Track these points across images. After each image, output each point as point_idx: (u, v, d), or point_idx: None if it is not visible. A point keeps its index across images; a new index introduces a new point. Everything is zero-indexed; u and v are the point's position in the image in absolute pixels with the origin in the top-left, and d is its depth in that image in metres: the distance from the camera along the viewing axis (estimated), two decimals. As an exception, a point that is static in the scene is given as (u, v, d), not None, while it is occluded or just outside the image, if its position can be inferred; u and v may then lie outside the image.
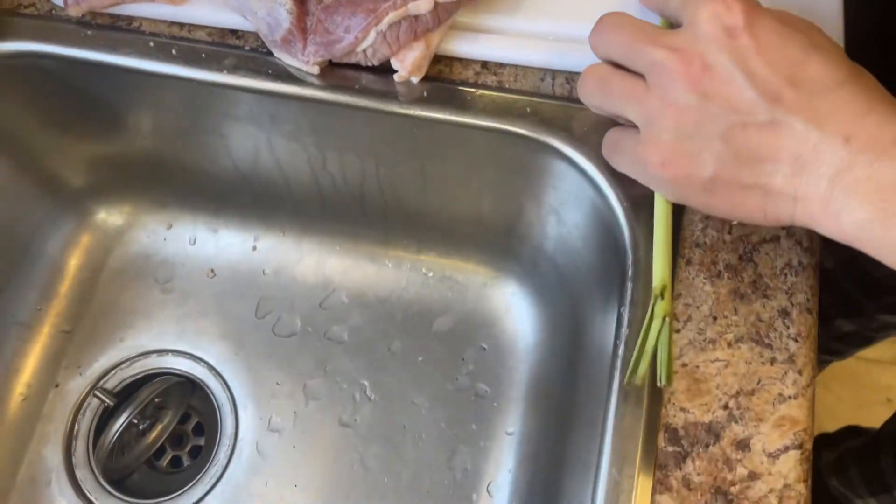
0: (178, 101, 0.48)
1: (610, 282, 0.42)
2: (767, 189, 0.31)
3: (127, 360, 0.57)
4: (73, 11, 0.45)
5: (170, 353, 0.57)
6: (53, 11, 0.47)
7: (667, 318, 0.35)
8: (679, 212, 0.40)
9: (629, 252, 0.40)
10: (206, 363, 0.57)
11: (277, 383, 0.56)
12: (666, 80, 0.32)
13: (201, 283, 0.59)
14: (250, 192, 0.58)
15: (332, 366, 0.56)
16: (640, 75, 0.34)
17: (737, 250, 0.40)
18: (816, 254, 0.40)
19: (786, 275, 0.40)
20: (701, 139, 0.32)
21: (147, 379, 0.57)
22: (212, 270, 0.59)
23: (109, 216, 0.60)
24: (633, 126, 0.35)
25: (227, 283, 0.59)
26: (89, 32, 0.46)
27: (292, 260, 0.60)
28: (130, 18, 0.46)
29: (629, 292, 0.38)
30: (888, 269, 0.30)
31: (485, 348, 0.56)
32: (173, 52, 0.45)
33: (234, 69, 0.45)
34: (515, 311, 0.57)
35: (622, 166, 0.38)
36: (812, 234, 0.41)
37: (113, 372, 0.57)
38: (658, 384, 0.35)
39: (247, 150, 0.52)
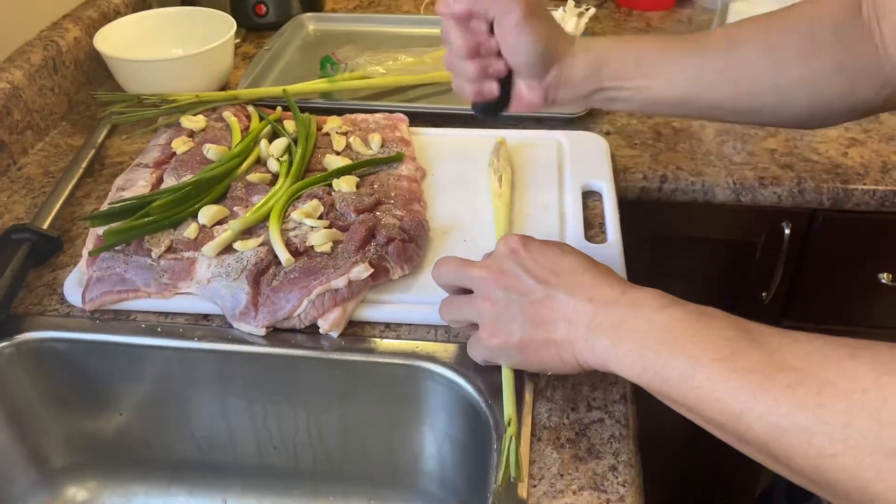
0: (155, 370, 0.63)
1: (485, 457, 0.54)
2: (555, 341, 0.49)
3: None
4: (88, 307, 0.63)
5: None
6: (70, 313, 0.64)
7: (513, 437, 0.49)
8: (531, 403, 0.55)
9: (494, 435, 0.53)
10: None
11: None
12: (483, 285, 0.52)
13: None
14: (201, 460, 0.69)
15: None
16: (469, 291, 0.52)
17: (573, 428, 0.54)
18: (634, 427, 0.54)
19: (611, 443, 0.53)
20: (508, 316, 0.50)
21: None
22: (160, 538, 0.67)
23: (77, 492, 0.69)
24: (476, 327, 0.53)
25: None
26: (97, 322, 0.63)
27: (234, 522, 0.68)
28: (129, 312, 0.64)
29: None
30: None
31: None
32: (158, 329, 0.62)
33: (202, 338, 0.61)
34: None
35: (474, 353, 0.55)
36: (629, 415, 0.55)
37: None
38: (512, 479, 0.47)
39: (203, 414, 0.66)
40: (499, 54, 0.61)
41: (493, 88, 0.62)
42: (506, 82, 0.62)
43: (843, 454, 0.35)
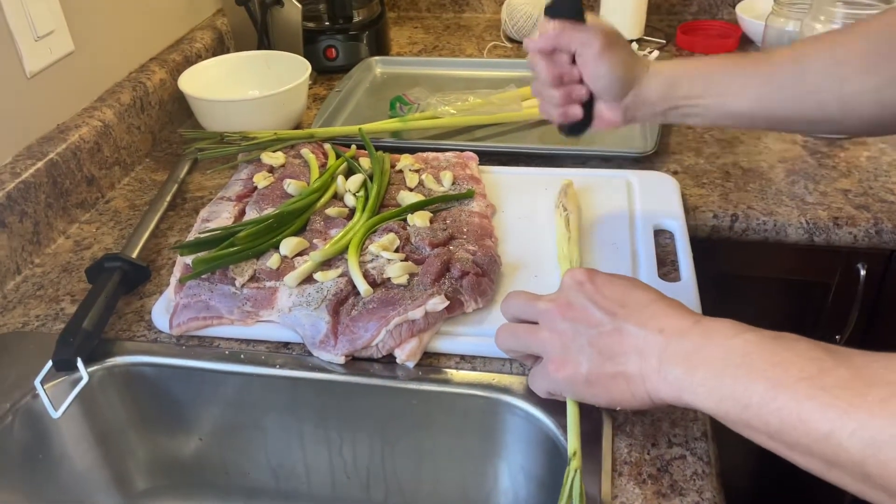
0: (235, 396, 0.65)
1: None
2: (626, 375, 0.48)
3: None
4: (175, 332, 0.65)
5: None
6: (157, 339, 0.67)
7: (577, 470, 0.49)
8: (610, 439, 0.55)
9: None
10: None
11: None
12: (549, 318, 0.52)
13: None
14: (275, 488, 0.70)
15: None
16: (534, 323, 0.54)
17: (655, 464, 0.53)
18: (717, 465, 0.53)
19: (694, 480, 0.52)
20: (576, 348, 0.51)
21: None
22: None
23: (155, 515, 0.71)
24: (539, 359, 0.54)
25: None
26: (183, 347, 0.65)
27: (305, 552, 0.69)
28: (213, 339, 0.66)
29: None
30: None
31: None
32: (241, 356, 0.64)
33: (283, 366, 0.63)
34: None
35: (535, 384, 0.56)
36: (711, 451, 0.54)
37: None
38: None
39: (279, 441, 0.67)
40: (580, 81, 0.67)
41: (576, 112, 0.68)
42: (588, 105, 0.69)
43: None
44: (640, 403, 0.49)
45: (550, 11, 0.67)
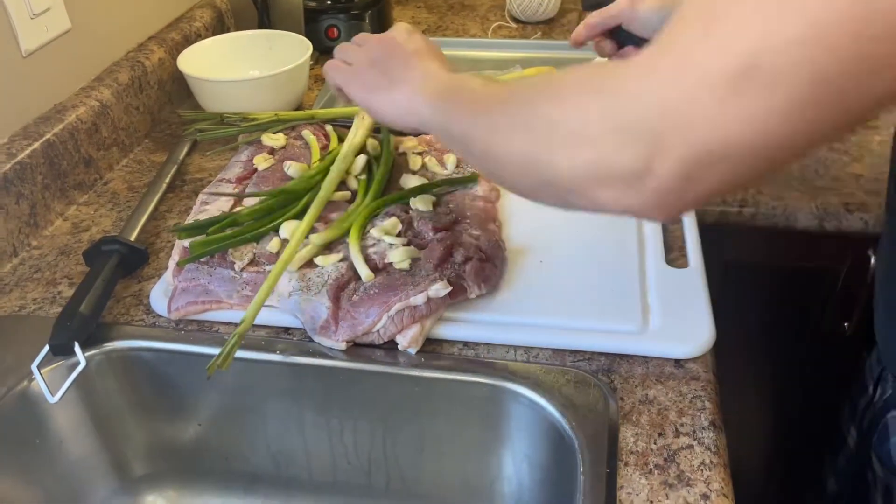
0: (235, 382, 0.64)
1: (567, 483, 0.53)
2: (392, 79, 0.57)
3: None
4: (174, 316, 0.64)
5: None
6: (156, 323, 0.66)
7: None
8: (616, 428, 0.54)
9: (579, 457, 0.52)
10: None
11: None
12: (368, 42, 0.63)
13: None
14: (276, 474, 0.69)
15: None
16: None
17: (662, 454, 0.52)
18: (724, 456, 0.52)
19: (702, 470, 0.51)
20: (374, 61, 0.61)
21: None
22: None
23: (156, 500, 0.70)
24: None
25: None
26: (182, 332, 0.64)
27: (305, 538, 0.68)
28: (212, 323, 0.65)
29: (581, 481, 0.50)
30: None
31: None
32: (241, 342, 0.63)
33: (283, 351, 0.62)
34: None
35: (334, 76, 0.64)
36: (719, 441, 0.53)
37: None
38: None
39: (280, 427, 0.66)
40: None
41: None
42: None
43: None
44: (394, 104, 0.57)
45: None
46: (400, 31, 0.63)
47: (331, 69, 0.65)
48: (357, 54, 0.63)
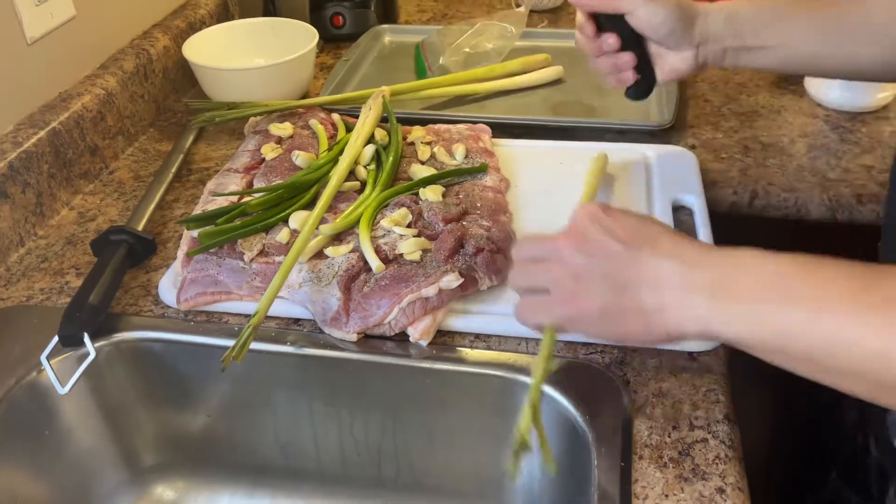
0: (244, 373, 0.63)
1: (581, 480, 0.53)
2: (643, 308, 0.45)
3: None
4: (183, 307, 0.64)
5: None
6: (165, 314, 0.65)
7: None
8: (630, 422, 0.53)
9: (593, 450, 0.52)
10: None
11: None
12: (561, 252, 0.49)
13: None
14: (285, 466, 0.69)
15: None
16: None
17: (676, 447, 0.52)
18: (739, 449, 0.52)
19: (717, 464, 0.51)
20: (590, 280, 0.47)
21: None
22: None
23: (165, 491, 0.70)
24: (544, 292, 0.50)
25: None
26: (191, 323, 0.64)
27: (314, 529, 0.68)
28: (221, 314, 0.65)
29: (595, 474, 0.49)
30: None
31: None
32: (251, 333, 0.62)
33: (293, 343, 0.61)
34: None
35: (533, 318, 0.51)
36: (734, 434, 0.53)
37: None
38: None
39: (289, 419, 0.66)
40: (618, 50, 0.68)
41: (628, 77, 0.69)
42: (642, 66, 0.69)
43: None
44: (655, 338, 0.46)
45: None
46: (584, 219, 0.49)
47: (529, 311, 0.51)
48: (551, 273, 0.49)
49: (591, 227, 0.48)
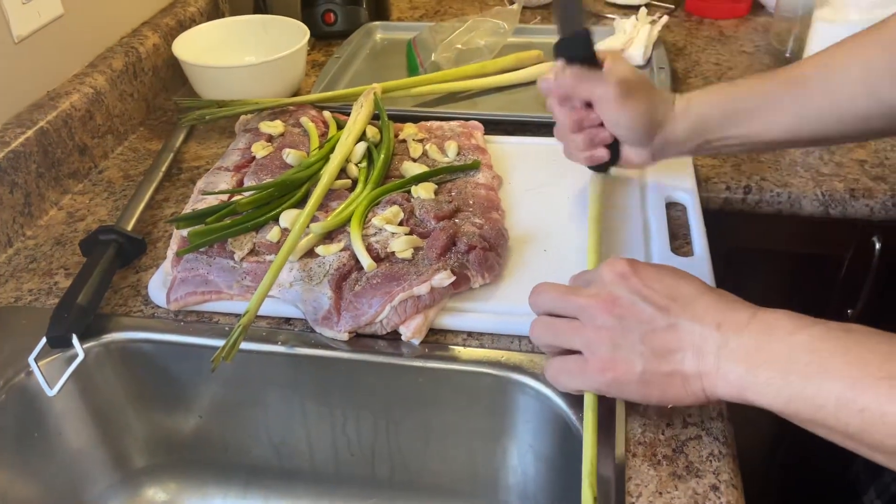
0: (235, 373, 0.63)
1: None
2: (683, 373, 0.46)
3: None
4: (173, 307, 0.63)
5: None
6: (155, 314, 0.65)
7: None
8: (623, 419, 0.53)
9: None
10: None
11: None
12: (593, 314, 0.48)
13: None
14: (278, 466, 0.68)
15: None
16: (572, 317, 0.50)
17: (670, 445, 0.52)
18: (733, 446, 0.52)
19: (711, 461, 0.51)
20: (627, 347, 0.47)
21: None
22: (235, 542, 0.66)
23: (156, 493, 0.69)
24: (575, 353, 0.50)
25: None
26: (181, 323, 0.63)
27: (308, 530, 0.67)
28: (211, 314, 0.64)
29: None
30: None
31: None
32: (241, 332, 0.62)
33: (284, 342, 0.61)
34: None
35: (571, 383, 0.51)
36: (727, 432, 0.53)
37: None
38: None
39: (281, 419, 0.65)
40: (601, 125, 0.66)
41: (601, 154, 0.68)
42: (613, 144, 0.68)
43: None
44: (694, 401, 0.46)
45: (560, 52, 0.64)
46: (613, 279, 0.48)
47: (566, 376, 0.50)
48: (584, 336, 0.48)
49: (621, 289, 0.48)
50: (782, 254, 0.88)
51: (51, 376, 0.59)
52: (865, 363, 0.39)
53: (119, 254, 0.68)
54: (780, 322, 0.44)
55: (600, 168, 0.71)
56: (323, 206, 0.70)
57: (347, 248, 0.65)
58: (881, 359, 0.39)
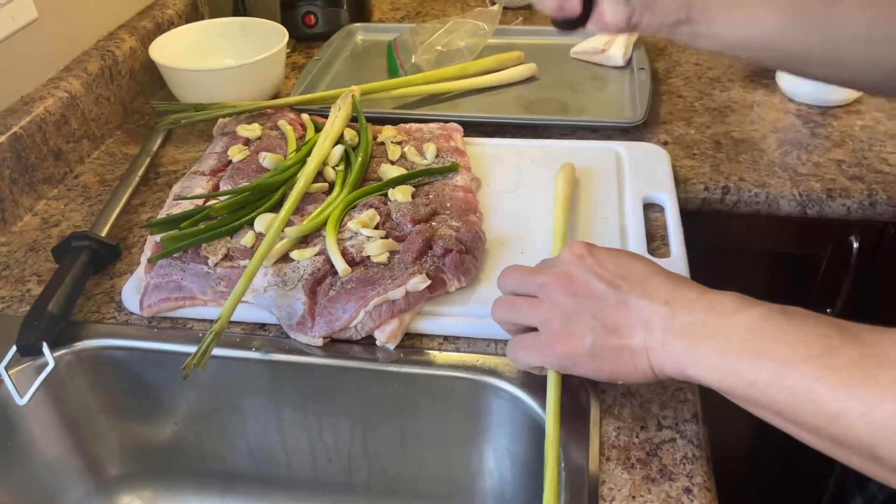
0: (210, 380, 0.62)
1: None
2: (630, 348, 0.46)
3: None
4: (146, 313, 0.63)
5: None
6: (128, 321, 0.64)
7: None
8: (598, 422, 0.53)
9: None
10: None
11: None
12: (549, 291, 0.50)
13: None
14: (255, 473, 0.68)
15: None
16: (532, 296, 0.51)
17: (644, 448, 0.52)
18: (707, 449, 0.52)
19: (684, 464, 0.50)
20: (579, 321, 0.48)
21: None
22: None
23: (132, 501, 0.68)
24: (531, 330, 0.51)
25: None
26: (154, 330, 0.63)
27: (286, 536, 0.67)
28: (186, 320, 0.64)
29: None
30: None
31: None
32: (215, 339, 0.61)
33: (259, 348, 0.60)
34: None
35: (527, 357, 0.52)
36: (702, 434, 0.52)
37: None
38: None
39: (258, 426, 0.65)
40: None
41: (574, 6, 0.63)
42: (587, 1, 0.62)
43: None
44: (642, 377, 0.47)
45: None
46: (571, 259, 0.50)
47: (522, 351, 0.52)
48: (540, 313, 0.50)
49: (577, 268, 0.50)
50: (761, 254, 0.88)
51: (21, 385, 0.58)
52: (796, 343, 0.40)
53: (92, 260, 0.67)
54: (724, 301, 0.44)
55: (566, 24, 0.65)
56: (299, 209, 0.70)
57: (323, 252, 0.64)
58: (811, 339, 0.39)
